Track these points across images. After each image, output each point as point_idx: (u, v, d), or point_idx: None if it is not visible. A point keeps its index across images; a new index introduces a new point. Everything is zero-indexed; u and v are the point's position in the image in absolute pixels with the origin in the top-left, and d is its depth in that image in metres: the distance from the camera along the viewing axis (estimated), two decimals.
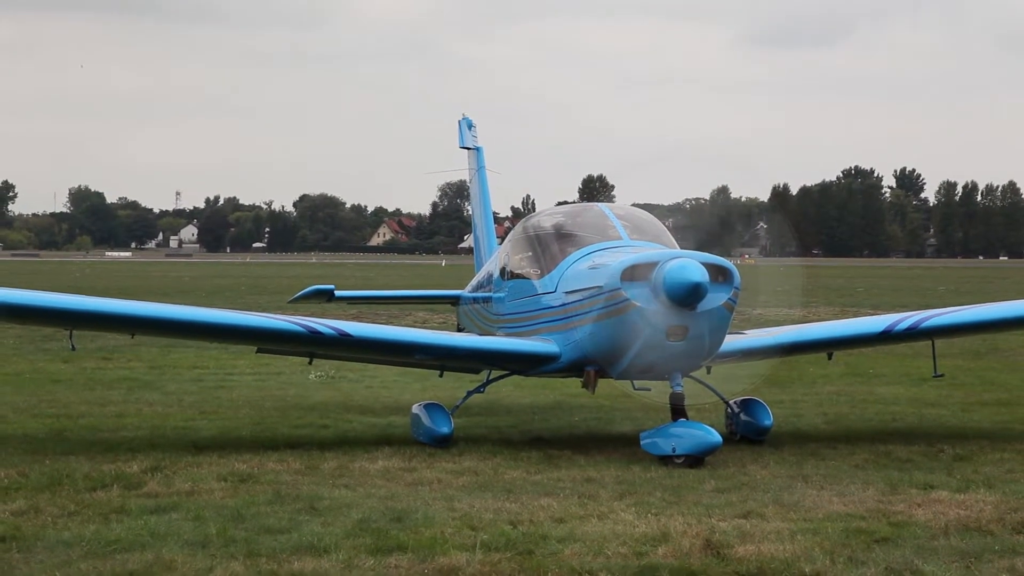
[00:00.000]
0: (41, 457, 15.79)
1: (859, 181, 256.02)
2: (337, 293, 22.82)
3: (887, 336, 18.81)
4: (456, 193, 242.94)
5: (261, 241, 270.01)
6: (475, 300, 20.53)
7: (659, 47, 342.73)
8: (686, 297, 15.52)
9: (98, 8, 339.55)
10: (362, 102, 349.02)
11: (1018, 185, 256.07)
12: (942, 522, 12.45)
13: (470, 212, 25.38)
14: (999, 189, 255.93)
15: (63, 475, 14.55)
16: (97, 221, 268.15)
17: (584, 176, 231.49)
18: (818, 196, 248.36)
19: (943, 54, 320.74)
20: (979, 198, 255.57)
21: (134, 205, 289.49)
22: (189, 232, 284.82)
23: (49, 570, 10.52)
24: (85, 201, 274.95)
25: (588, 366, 16.93)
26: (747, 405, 17.88)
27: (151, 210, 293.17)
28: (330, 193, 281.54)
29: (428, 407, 17.48)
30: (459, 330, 21.35)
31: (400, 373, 24.59)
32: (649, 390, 16.81)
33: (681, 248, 17.25)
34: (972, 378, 25.93)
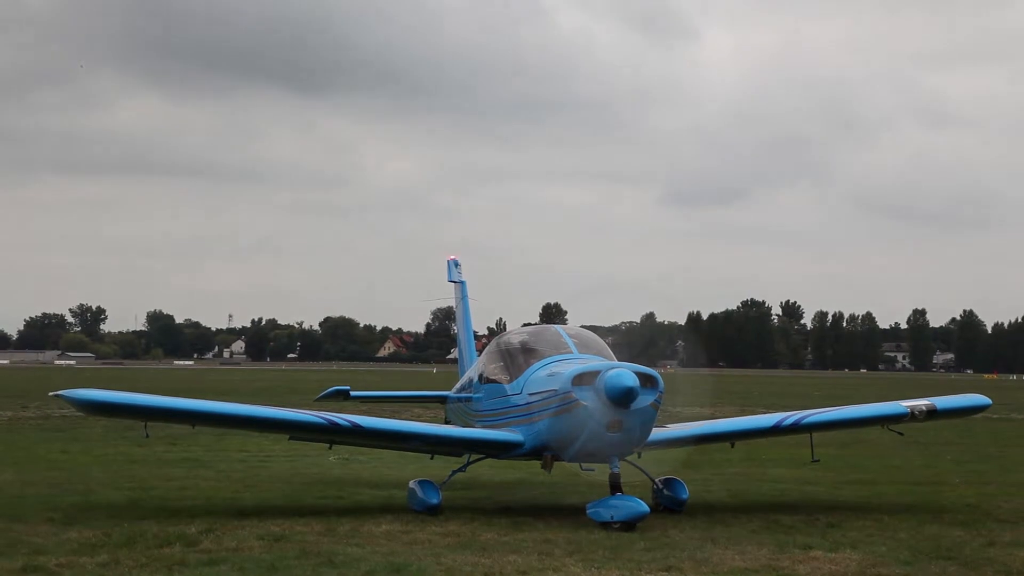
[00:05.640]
0: (120, 521, 15.59)
1: (754, 310, 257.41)
2: (352, 393, 22.73)
3: (776, 430, 18.83)
4: (445, 316, 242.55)
5: (294, 353, 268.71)
6: (459, 399, 20.46)
7: (602, 204, 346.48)
8: (622, 398, 15.52)
9: (164, 173, 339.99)
10: (373, 244, 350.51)
11: (873, 315, 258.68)
12: (818, 575, 12.37)
13: (456, 331, 25.39)
14: (859, 317, 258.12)
15: (137, 535, 14.36)
16: (168, 337, 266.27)
17: (544, 303, 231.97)
18: (722, 321, 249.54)
19: (815, 211, 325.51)
20: (844, 324, 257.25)
21: (196, 324, 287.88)
22: (239, 346, 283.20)
23: None
24: (159, 321, 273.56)
25: (546, 451, 16.85)
26: (669, 483, 17.79)
27: (210, 328, 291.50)
28: (347, 315, 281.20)
29: (422, 482, 17.33)
30: (446, 423, 21.24)
31: (400, 456, 24.39)
32: (593, 471, 16.74)
33: (618, 360, 17.29)
34: (841, 463, 25.87)
